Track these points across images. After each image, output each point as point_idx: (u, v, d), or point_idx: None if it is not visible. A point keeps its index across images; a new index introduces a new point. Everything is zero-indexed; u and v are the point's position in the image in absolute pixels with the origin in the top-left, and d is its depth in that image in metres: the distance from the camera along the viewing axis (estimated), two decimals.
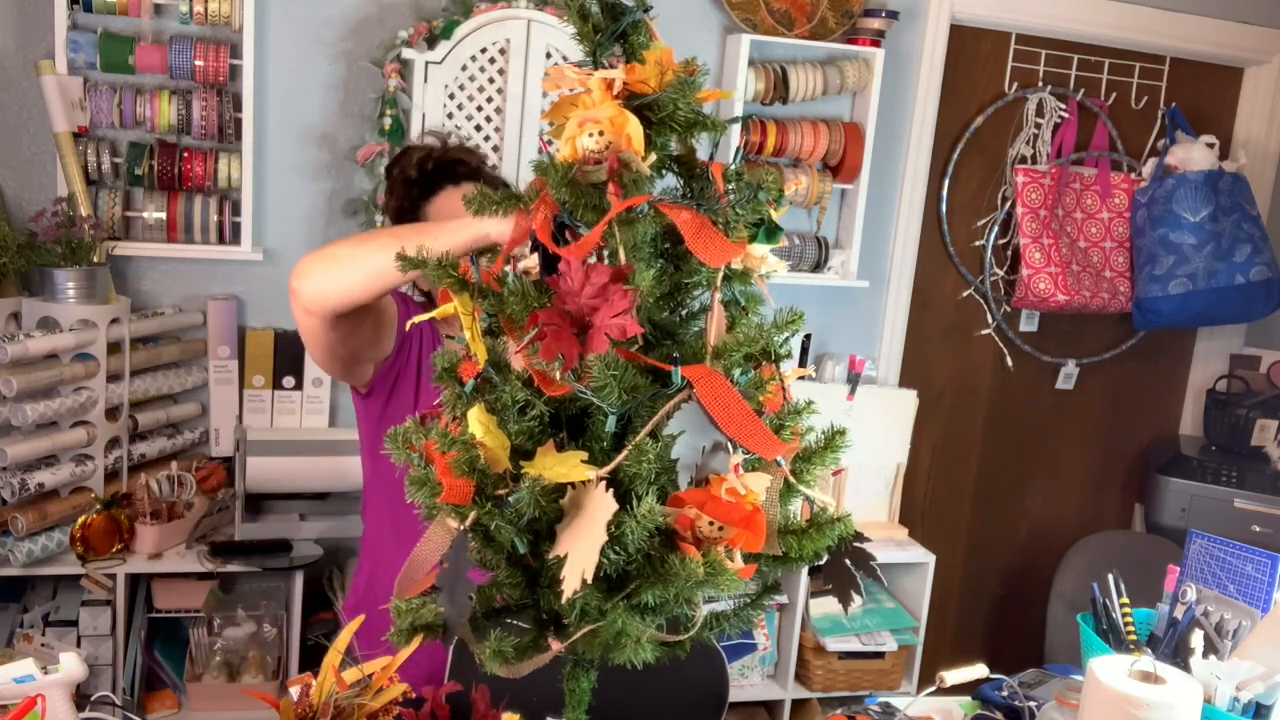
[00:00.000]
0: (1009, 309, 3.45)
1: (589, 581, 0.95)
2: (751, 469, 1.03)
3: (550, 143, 1.10)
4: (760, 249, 1.11)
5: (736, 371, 1.03)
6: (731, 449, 1.02)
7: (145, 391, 2.57)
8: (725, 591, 1.01)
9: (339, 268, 1.47)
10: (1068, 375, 3.56)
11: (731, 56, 2.93)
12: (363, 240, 1.51)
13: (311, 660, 2.56)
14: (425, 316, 1.17)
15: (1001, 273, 3.41)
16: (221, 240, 2.62)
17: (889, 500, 3.25)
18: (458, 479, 1.02)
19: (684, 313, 1.13)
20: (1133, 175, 3.39)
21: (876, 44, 2.99)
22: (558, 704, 1.21)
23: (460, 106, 2.66)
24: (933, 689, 1.64)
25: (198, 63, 2.51)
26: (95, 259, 2.43)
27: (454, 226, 1.38)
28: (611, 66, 1.08)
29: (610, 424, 1.04)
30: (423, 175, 1.82)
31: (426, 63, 2.60)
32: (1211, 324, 3.42)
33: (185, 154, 2.57)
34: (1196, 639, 1.60)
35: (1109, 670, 1.41)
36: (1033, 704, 1.64)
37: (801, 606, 2.99)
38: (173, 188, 2.59)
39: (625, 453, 1.01)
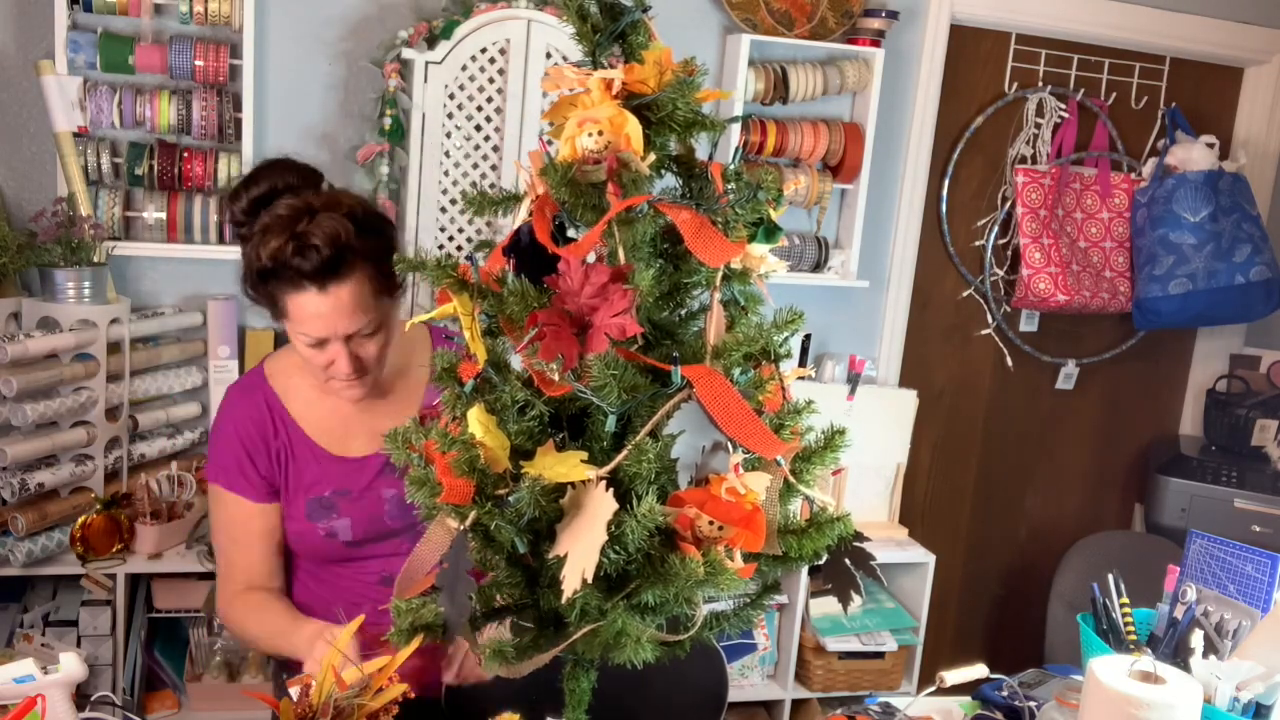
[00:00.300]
0: (1009, 309, 3.45)
1: (589, 581, 0.95)
2: (751, 468, 1.03)
3: (550, 143, 1.10)
4: (759, 249, 1.11)
5: (736, 371, 1.03)
6: (731, 448, 1.02)
7: (145, 391, 2.57)
8: (725, 591, 1.01)
9: (242, 638, 1.76)
10: (1068, 375, 3.56)
11: (731, 56, 2.93)
12: (252, 639, 1.71)
13: None
14: (425, 317, 1.17)
15: (1001, 273, 3.41)
16: (221, 240, 2.62)
17: (889, 500, 3.25)
18: (458, 479, 1.02)
19: (683, 312, 1.14)
20: (1133, 175, 3.39)
21: (876, 44, 2.99)
22: (558, 704, 1.21)
23: (460, 106, 2.66)
24: (933, 689, 1.64)
25: (198, 63, 2.51)
26: (95, 259, 2.43)
27: (311, 650, 1.47)
28: (611, 66, 1.08)
29: (610, 424, 1.04)
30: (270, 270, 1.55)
31: (426, 63, 2.60)
32: (1211, 324, 3.42)
33: (185, 154, 2.57)
34: (1196, 639, 1.60)
35: (1109, 670, 1.41)
36: (1033, 704, 1.64)
37: (801, 606, 2.99)
38: (173, 188, 2.59)
39: (625, 452, 1.01)
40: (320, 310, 1.52)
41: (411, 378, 1.73)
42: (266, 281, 1.53)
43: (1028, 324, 3.50)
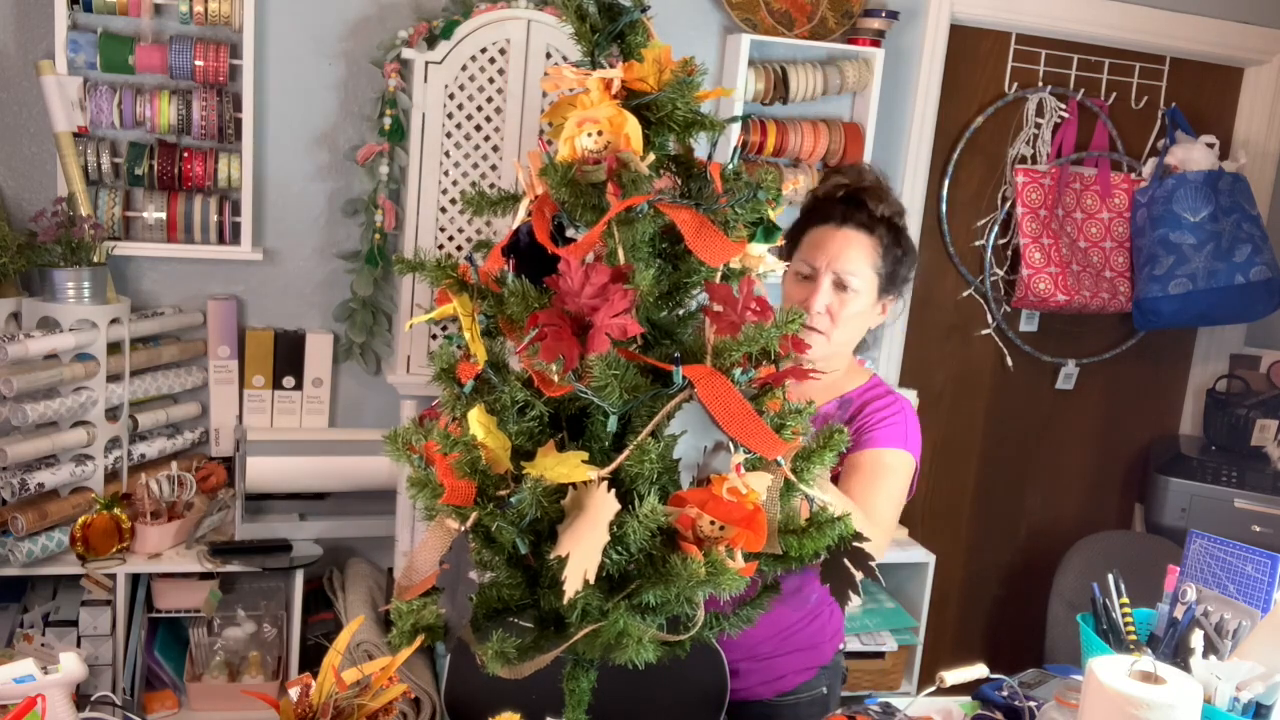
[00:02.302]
0: (1009, 309, 3.45)
1: (591, 581, 0.95)
2: (752, 468, 1.03)
3: (550, 142, 1.10)
4: (759, 248, 1.11)
5: (737, 371, 1.03)
6: (732, 448, 1.02)
7: (145, 391, 2.57)
8: (726, 591, 1.01)
9: None
10: (1068, 375, 3.56)
11: (731, 56, 2.93)
12: None
13: (311, 660, 2.56)
14: (425, 318, 1.17)
15: (1001, 273, 3.41)
16: (221, 240, 2.62)
17: None
18: (459, 480, 1.02)
19: (683, 312, 1.14)
20: (1133, 175, 3.39)
21: (876, 44, 2.99)
22: (558, 704, 1.21)
23: (460, 106, 2.66)
24: (933, 689, 1.64)
25: (198, 63, 2.51)
26: (95, 259, 2.43)
27: None
28: (610, 66, 1.08)
29: (611, 424, 1.04)
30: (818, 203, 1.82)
31: (426, 63, 2.60)
32: (1212, 324, 3.42)
33: (185, 154, 2.57)
34: (1196, 639, 1.60)
35: (1109, 670, 1.41)
36: (1033, 704, 1.64)
37: None
38: (173, 188, 2.59)
39: (627, 452, 1.01)
40: (829, 239, 1.76)
41: (830, 391, 1.85)
42: (810, 212, 1.81)
43: (1028, 324, 3.50)
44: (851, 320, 1.77)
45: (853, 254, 1.73)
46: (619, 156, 1.03)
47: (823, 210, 1.77)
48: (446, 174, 2.68)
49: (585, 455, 1.01)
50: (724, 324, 1.03)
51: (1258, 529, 3.08)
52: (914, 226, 3.25)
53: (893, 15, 2.98)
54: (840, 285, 1.74)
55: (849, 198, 1.76)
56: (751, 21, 2.90)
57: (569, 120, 1.06)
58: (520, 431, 1.04)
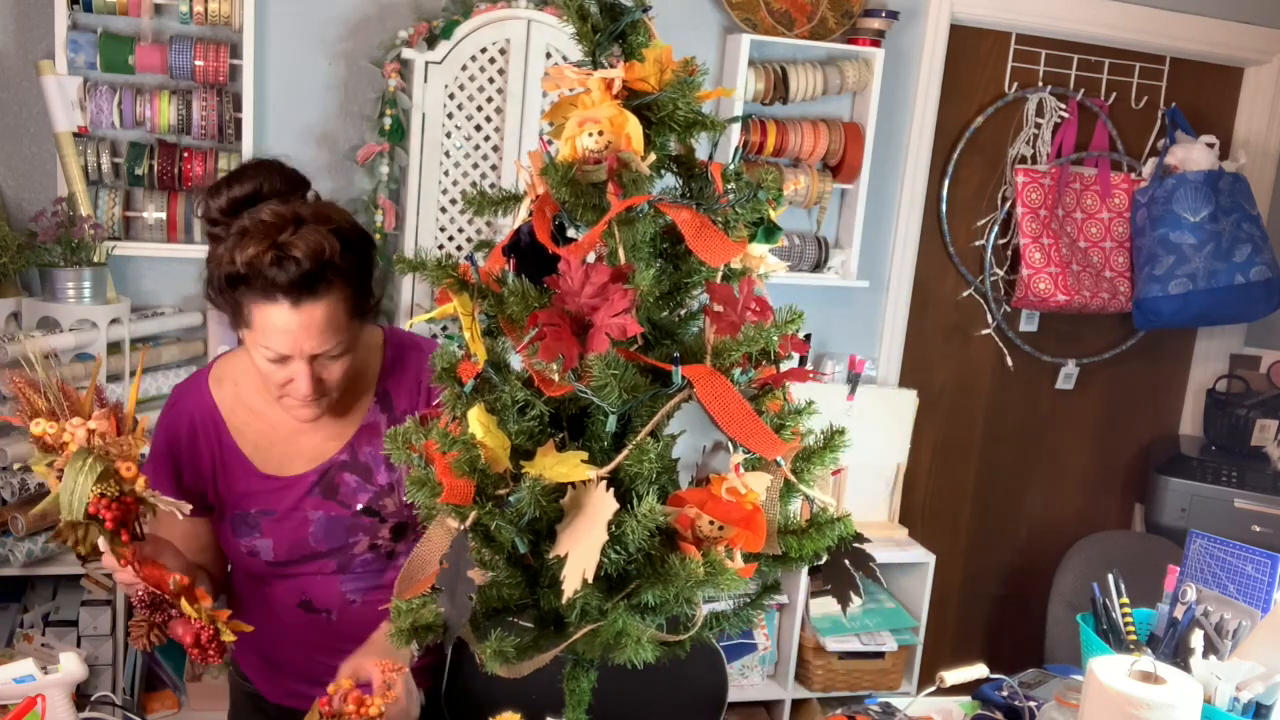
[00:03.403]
0: (1009, 309, 3.45)
1: (590, 581, 0.95)
2: (752, 468, 1.03)
3: (550, 143, 1.10)
4: (759, 248, 1.11)
5: (736, 371, 1.03)
6: (732, 448, 1.02)
7: (145, 391, 2.57)
8: (725, 591, 1.01)
9: None
10: (1068, 375, 3.56)
11: (731, 56, 2.93)
12: None
13: None
14: (425, 317, 1.17)
15: (1001, 273, 3.41)
16: None
17: (889, 500, 3.25)
18: (458, 479, 1.02)
19: (683, 312, 1.14)
20: (1133, 175, 3.39)
21: (876, 44, 2.99)
22: (558, 704, 1.21)
23: (460, 106, 2.66)
24: (933, 689, 1.64)
25: (198, 63, 2.51)
26: (95, 259, 2.43)
27: None
28: (611, 66, 1.08)
29: (611, 424, 1.04)
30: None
31: (426, 63, 2.60)
32: (1212, 324, 3.42)
33: (185, 154, 2.57)
34: (1196, 639, 1.60)
35: (1109, 670, 1.41)
36: (1033, 704, 1.64)
37: (801, 606, 2.99)
38: (173, 188, 2.59)
39: (626, 452, 1.01)
40: (289, 326, 1.42)
41: (354, 390, 1.60)
42: (235, 287, 1.43)
43: (1028, 324, 3.50)
44: (348, 370, 1.53)
45: (319, 329, 1.44)
46: (620, 156, 1.03)
47: (261, 284, 1.40)
48: (446, 174, 2.68)
49: (585, 455, 1.01)
50: (724, 324, 1.03)
51: (1258, 529, 3.08)
52: (914, 226, 3.26)
53: (893, 15, 2.98)
54: (322, 357, 1.48)
55: (279, 260, 1.39)
56: (751, 21, 2.90)
57: (570, 120, 1.06)
58: (520, 431, 1.04)
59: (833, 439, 1.08)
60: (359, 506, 1.59)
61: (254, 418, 1.60)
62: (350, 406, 1.61)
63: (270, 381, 1.50)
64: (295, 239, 1.40)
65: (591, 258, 1.03)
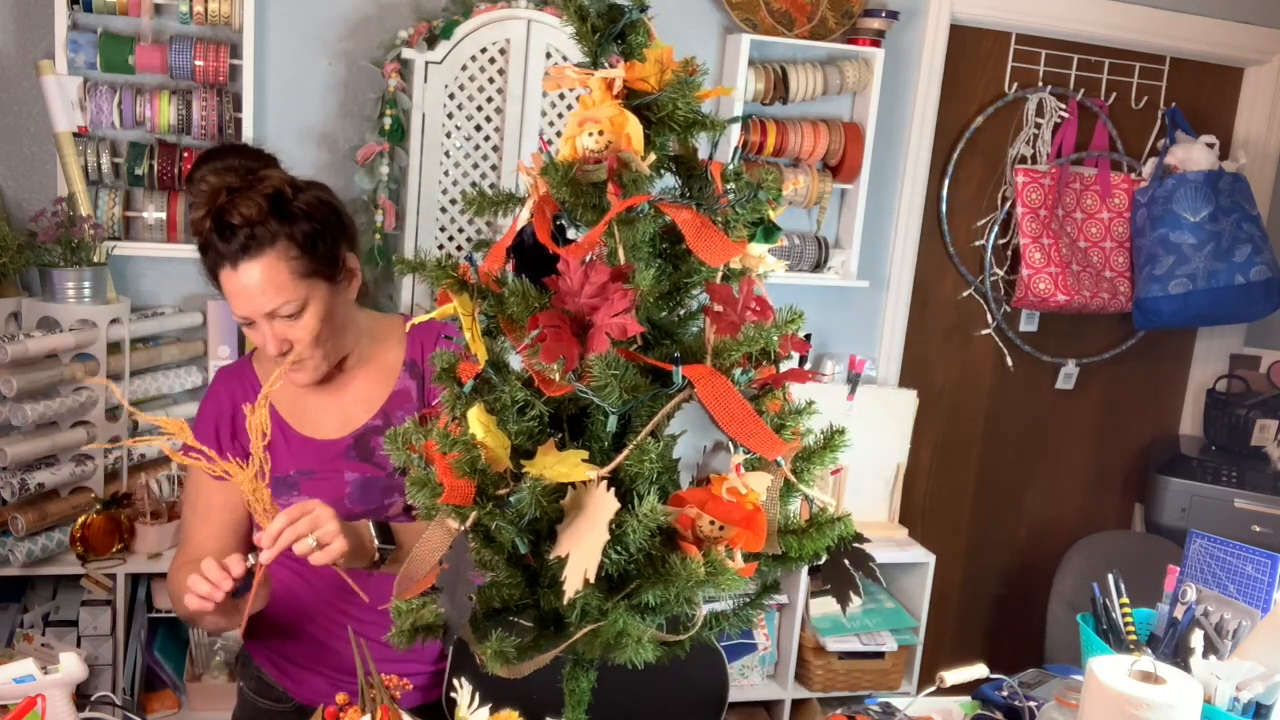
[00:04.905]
0: (1009, 309, 3.45)
1: (591, 581, 0.95)
2: (752, 468, 1.03)
3: (550, 142, 1.10)
4: (759, 248, 1.11)
5: (737, 371, 1.03)
6: (732, 448, 1.02)
7: (145, 391, 2.57)
8: (725, 591, 1.01)
9: (176, 607, 1.61)
10: (1068, 375, 3.56)
11: (731, 56, 2.93)
12: (183, 609, 1.52)
13: None
14: (425, 317, 1.17)
15: (1001, 273, 3.41)
16: None
17: (889, 500, 3.25)
18: (458, 479, 1.02)
19: (683, 312, 1.14)
20: (1133, 175, 3.39)
21: (876, 44, 2.99)
22: (558, 704, 1.21)
23: (460, 106, 2.66)
24: (933, 689, 1.64)
25: (198, 63, 2.51)
26: (95, 259, 2.43)
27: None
28: (611, 66, 1.08)
29: (611, 424, 1.04)
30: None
31: (426, 63, 2.60)
32: (1212, 324, 3.42)
33: (185, 154, 2.57)
34: (1196, 639, 1.60)
35: (1109, 670, 1.41)
36: (1033, 704, 1.64)
37: (801, 606, 2.99)
38: (173, 188, 2.59)
39: (626, 452, 1.01)
40: (233, 288, 1.54)
41: (382, 364, 1.72)
42: (205, 256, 1.56)
43: (1028, 324, 3.50)
44: (323, 326, 1.59)
45: (260, 288, 1.52)
46: (620, 156, 1.03)
47: (212, 252, 1.54)
48: (446, 174, 2.68)
49: (585, 455, 1.01)
50: (724, 324, 1.03)
51: (1258, 529, 3.08)
52: (914, 226, 3.26)
53: (893, 15, 2.98)
54: (278, 316, 1.55)
55: (219, 227, 1.51)
56: (751, 21, 2.90)
57: (570, 119, 1.06)
58: (520, 431, 1.05)
59: (833, 439, 1.08)
60: (394, 468, 1.65)
61: (289, 385, 1.69)
62: (384, 377, 1.72)
63: (254, 342, 1.61)
64: (228, 204, 1.51)
65: (592, 257, 1.03)
